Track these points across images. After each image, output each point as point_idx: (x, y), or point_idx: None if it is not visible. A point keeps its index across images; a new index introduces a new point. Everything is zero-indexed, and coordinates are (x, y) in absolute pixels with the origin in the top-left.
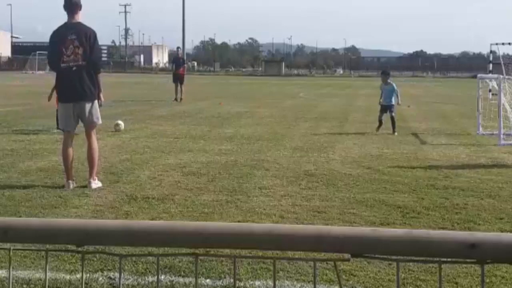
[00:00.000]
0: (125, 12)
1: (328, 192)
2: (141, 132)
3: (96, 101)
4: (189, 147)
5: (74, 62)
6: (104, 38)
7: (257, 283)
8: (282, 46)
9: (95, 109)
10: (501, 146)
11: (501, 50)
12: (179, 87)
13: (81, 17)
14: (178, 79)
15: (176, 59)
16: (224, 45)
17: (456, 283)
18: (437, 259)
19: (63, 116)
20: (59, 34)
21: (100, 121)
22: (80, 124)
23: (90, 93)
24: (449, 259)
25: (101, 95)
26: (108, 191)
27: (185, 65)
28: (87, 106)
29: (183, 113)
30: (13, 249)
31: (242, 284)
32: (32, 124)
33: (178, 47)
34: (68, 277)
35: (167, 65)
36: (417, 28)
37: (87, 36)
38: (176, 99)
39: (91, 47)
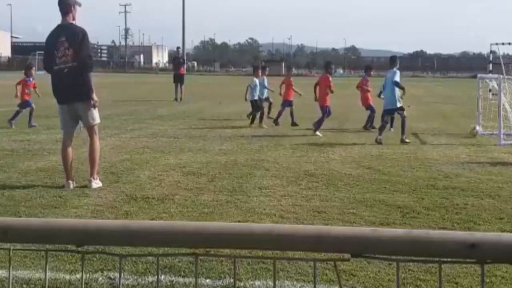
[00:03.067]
0: (125, 12)
1: (328, 192)
2: (141, 132)
3: (91, 101)
4: (189, 147)
5: (65, 64)
6: (104, 38)
7: (257, 283)
8: (282, 46)
9: (90, 110)
10: (501, 146)
11: (501, 50)
12: (179, 87)
13: (79, 16)
14: (178, 79)
15: (176, 59)
16: (224, 45)
17: (456, 283)
18: (437, 259)
19: (61, 117)
20: (51, 37)
21: (97, 121)
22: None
23: (83, 94)
24: (449, 259)
25: (93, 96)
26: (108, 191)
27: (185, 64)
28: (81, 107)
29: (183, 113)
30: (13, 249)
31: (242, 284)
32: None
33: (178, 47)
34: (68, 277)
35: (167, 65)
36: (417, 28)
37: (76, 36)
38: (176, 99)
39: (79, 46)
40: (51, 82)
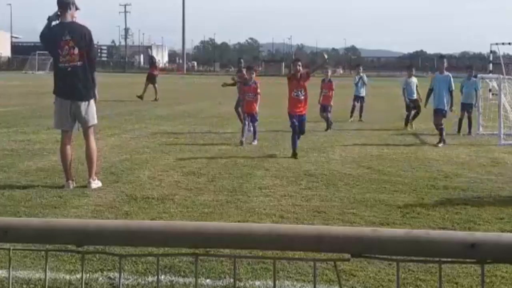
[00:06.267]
0: (125, 12)
1: (328, 192)
2: (141, 132)
3: (92, 101)
4: (189, 147)
5: (70, 63)
6: (104, 38)
7: (257, 283)
8: (282, 46)
9: (91, 109)
10: (501, 146)
11: (501, 50)
12: (151, 86)
13: (78, 16)
14: (151, 79)
15: (152, 58)
16: (224, 45)
17: (456, 283)
18: (437, 259)
19: (59, 114)
20: (53, 34)
21: (95, 121)
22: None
23: (86, 92)
24: (449, 259)
25: (96, 92)
26: (108, 191)
27: (156, 64)
28: (83, 105)
29: (183, 113)
30: (13, 249)
31: (242, 284)
32: (32, 124)
33: (148, 47)
34: (68, 277)
35: (166, 65)
36: (417, 28)
37: (82, 35)
38: (156, 99)
39: (88, 47)
40: (54, 78)
